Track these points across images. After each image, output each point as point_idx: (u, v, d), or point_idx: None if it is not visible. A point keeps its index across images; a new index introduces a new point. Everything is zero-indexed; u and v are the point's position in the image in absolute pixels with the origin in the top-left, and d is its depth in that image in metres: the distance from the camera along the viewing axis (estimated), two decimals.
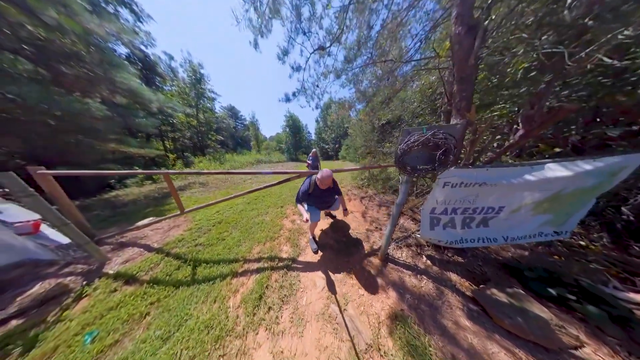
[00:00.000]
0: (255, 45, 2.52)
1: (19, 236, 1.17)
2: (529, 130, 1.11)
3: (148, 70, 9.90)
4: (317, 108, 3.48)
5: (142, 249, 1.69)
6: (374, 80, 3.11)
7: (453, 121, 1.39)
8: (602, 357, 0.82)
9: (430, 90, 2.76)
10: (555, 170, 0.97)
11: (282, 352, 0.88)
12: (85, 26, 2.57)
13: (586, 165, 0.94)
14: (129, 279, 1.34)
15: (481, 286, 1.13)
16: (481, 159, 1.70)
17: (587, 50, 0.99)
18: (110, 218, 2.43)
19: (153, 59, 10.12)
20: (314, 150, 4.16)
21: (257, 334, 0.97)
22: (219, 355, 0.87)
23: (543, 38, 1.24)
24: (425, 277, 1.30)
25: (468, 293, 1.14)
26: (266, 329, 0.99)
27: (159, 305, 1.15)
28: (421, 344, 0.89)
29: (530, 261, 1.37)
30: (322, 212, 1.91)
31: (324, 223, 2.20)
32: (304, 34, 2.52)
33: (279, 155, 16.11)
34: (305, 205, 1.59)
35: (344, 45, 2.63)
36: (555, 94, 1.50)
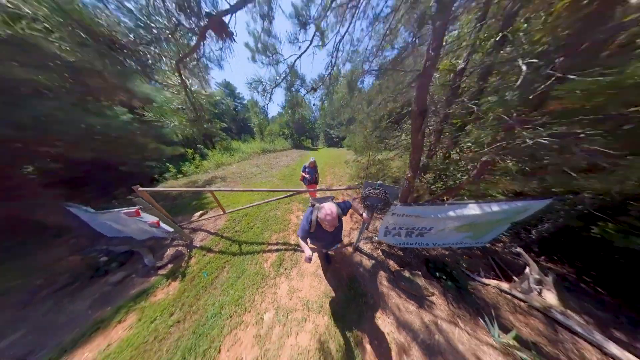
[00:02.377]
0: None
1: (150, 227, 2.27)
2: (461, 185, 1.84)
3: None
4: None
5: (206, 233, 2.85)
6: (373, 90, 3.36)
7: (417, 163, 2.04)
8: (440, 301, 1.83)
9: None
10: (471, 209, 1.62)
11: (293, 286, 2.00)
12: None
13: (494, 207, 1.57)
14: (207, 250, 2.51)
15: (401, 268, 2.12)
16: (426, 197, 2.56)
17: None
18: (174, 209, 3.62)
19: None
20: (312, 159, 3.33)
21: (280, 279, 2.09)
22: (265, 284, 2.01)
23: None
24: (375, 261, 2.32)
25: (393, 270, 2.15)
26: (285, 278, 2.11)
27: (228, 263, 2.31)
28: (359, 288, 1.95)
29: (442, 258, 2.31)
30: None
31: None
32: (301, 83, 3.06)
33: (282, 142, 16.41)
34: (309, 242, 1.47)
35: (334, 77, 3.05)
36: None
